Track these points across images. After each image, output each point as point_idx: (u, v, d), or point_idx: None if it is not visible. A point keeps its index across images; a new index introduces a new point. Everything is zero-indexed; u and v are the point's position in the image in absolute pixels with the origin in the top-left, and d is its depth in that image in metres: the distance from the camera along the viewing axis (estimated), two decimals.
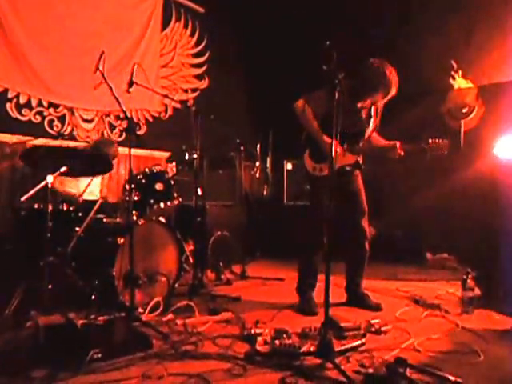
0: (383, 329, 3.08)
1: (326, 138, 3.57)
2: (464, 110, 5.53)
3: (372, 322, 3.12)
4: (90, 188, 4.25)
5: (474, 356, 2.68)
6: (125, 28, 5.76)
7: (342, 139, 3.44)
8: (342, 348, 2.69)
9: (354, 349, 2.73)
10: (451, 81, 5.78)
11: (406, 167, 5.80)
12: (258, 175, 5.94)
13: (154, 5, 6.14)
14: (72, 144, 4.59)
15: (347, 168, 3.72)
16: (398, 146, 3.61)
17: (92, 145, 4.58)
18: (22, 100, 4.81)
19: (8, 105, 4.71)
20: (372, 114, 3.73)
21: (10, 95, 4.72)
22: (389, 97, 3.57)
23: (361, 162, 3.76)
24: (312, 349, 2.62)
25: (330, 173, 2.84)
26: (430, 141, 3.54)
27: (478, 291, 3.68)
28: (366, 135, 3.76)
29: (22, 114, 4.80)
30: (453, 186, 5.32)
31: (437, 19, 5.76)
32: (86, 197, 4.16)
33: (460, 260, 5.35)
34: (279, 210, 6.26)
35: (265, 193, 6.39)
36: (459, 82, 5.70)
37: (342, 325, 3.01)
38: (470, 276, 3.64)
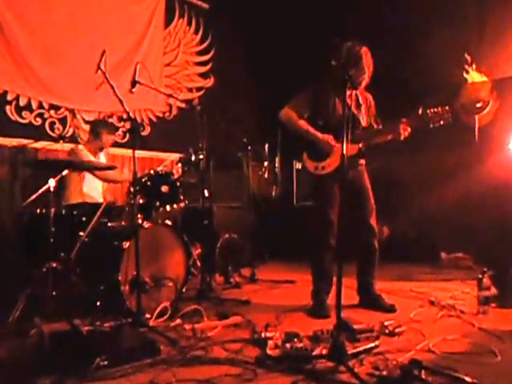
0: (397, 330, 3.00)
1: (319, 134, 3.58)
2: (478, 105, 5.41)
3: (386, 323, 3.05)
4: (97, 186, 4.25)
5: (490, 356, 2.60)
6: (126, 26, 5.71)
7: (338, 132, 3.40)
8: (355, 350, 2.62)
9: (367, 351, 2.65)
10: (465, 75, 5.65)
11: (419, 165, 5.75)
12: (266, 175, 5.88)
13: (156, 1, 6.07)
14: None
15: (352, 160, 3.62)
16: (403, 121, 3.51)
17: (91, 125, 4.59)
18: (22, 102, 4.78)
19: (7, 107, 4.67)
20: (361, 101, 3.71)
21: (9, 97, 4.69)
22: (365, 75, 3.57)
23: (363, 149, 3.69)
24: (324, 352, 2.55)
25: (341, 168, 2.76)
26: (428, 112, 3.41)
27: (494, 290, 3.59)
28: (362, 122, 3.71)
29: (22, 117, 4.77)
30: (467, 183, 5.21)
31: (450, 11, 5.65)
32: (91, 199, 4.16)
33: (475, 259, 5.25)
34: (289, 210, 6.20)
35: (274, 193, 6.32)
36: (473, 76, 5.57)
37: (355, 327, 2.94)
38: (485, 275, 3.54)
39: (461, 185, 5.25)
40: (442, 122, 3.39)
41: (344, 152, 2.71)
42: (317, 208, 3.78)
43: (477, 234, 4.97)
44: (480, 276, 3.56)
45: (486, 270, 3.58)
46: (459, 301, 3.81)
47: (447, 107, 3.40)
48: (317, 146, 3.62)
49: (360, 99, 3.72)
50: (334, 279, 3.34)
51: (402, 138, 3.54)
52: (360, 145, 3.65)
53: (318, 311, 3.54)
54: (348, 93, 3.59)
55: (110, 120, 5.42)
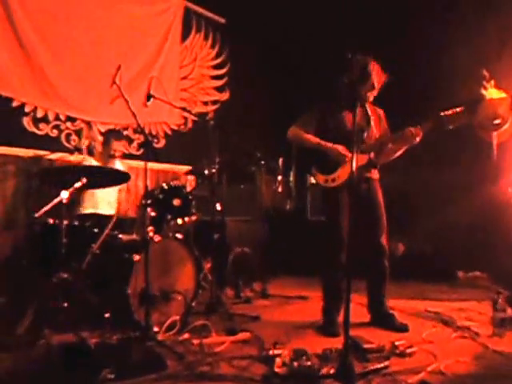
0: (408, 351, 2.92)
1: (330, 144, 3.56)
2: (496, 121, 5.31)
3: (397, 343, 2.98)
4: (108, 199, 4.27)
5: (504, 381, 2.56)
6: (143, 41, 5.76)
7: (348, 144, 3.47)
8: (364, 371, 2.57)
9: (376, 372, 2.60)
10: (483, 91, 5.57)
11: (437, 181, 5.67)
12: (280, 189, 5.84)
13: (173, 17, 6.12)
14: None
15: (363, 170, 3.58)
16: (413, 129, 3.44)
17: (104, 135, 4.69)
18: (39, 114, 4.83)
19: (25, 119, 4.72)
20: (370, 115, 3.67)
21: (27, 109, 4.74)
22: (374, 90, 3.58)
23: (374, 159, 3.61)
24: (332, 371, 2.51)
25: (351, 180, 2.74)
26: (441, 114, 3.35)
27: (510, 312, 3.50)
28: (372, 134, 3.64)
29: (38, 128, 4.81)
30: (486, 200, 5.12)
31: (468, 27, 5.60)
32: (104, 211, 4.18)
33: (493, 279, 5.13)
34: (303, 225, 6.14)
35: (288, 207, 6.28)
36: (491, 92, 5.48)
37: (365, 346, 2.89)
38: (501, 296, 3.45)
39: (479, 202, 5.16)
40: (460, 122, 3.32)
41: (354, 166, 2.68)
42: (328, 223, 3.72)
43: (494, 252, 4.87)
44: (495, 297, 3.48)
45: (501, 290, 3.50)
46: (474, 322, 3.69)
47: (460, 108, 3.33)
48: (326, 159, 3.59)
49: (369, 113, 3.68)
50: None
51: (415, 141, 3.48)
52: (371, 155, 3.58)
53: (327, 329, 3.49)
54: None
55: (125, 132, 5.52)
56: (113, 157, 4.44)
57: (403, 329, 3.48)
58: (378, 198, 3.71)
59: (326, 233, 3.71)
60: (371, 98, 3.67)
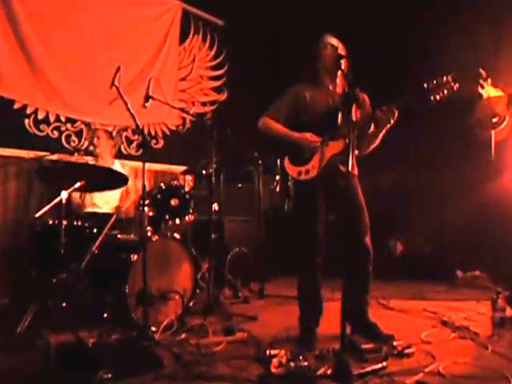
0: (406, 351, 2.90)
1: (296, 133, 3.24)
2: (494, 120, 5.30)
3: (395, 343, 2.96)
4: (107, 199, 4.28)
5: (503, 382, 2.50)
6: (142, 43, 5.81)
7: (321, 133, 3.20)
8: (361, 371, 2.55)
9: (373, 372, 2.58)
10: (480, 90, 5.55)
11: (435, 180, 5.66)
12: (278, 189, 5.83)
13: (171, 19, 6.16)
14: (88, 159, 4.60)
15: (339, 159, 3.17)
16: (385, 107, 3.10)
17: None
18: (40, 115, 4.87)
19: (26, 121, 4.77)
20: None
21: (28, 111, 4.79)
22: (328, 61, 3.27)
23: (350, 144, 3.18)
24: (329, 372, 2.50)
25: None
26: (425, 85, 3.02)
27: (510, 312, 3.49)
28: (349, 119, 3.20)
29: (39, 130, 4.86)
30: (485, 198, 5.11)
31: (465, 26, 5.59)
32: (104, 208, 4.18)
33: (493, 278, 5.11)
34: None
35: (286, 207, 6.27)
36: (489, 91, 5.46)
37: (363, 346, 2.87)
38: (500, 296, 3.44)
39: (477, 200, 5.15)
40: (445, 92, 2.99)
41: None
42: (300, 220, 3.38)
43: (493, 251, 4.86)
44: (494, 297, 3.47)
45: (500, 290, 3.49)
46: (474, 322, 3.68)
47: (450, 76, 3.03)
48: (299, 150, 3.25)
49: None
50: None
51: (390, 120, 3.10)
52: (346, 140, 3.08)
53: (302, 342, 3.13)
54: (331, 88, 3.35)
55: (125, 134, 5.55)
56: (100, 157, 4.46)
57: (390, 339, 3.08)
58: (358, 194, 3.31)
59: (298, 231, 3.39)
60: (338, 74, 3.29)
